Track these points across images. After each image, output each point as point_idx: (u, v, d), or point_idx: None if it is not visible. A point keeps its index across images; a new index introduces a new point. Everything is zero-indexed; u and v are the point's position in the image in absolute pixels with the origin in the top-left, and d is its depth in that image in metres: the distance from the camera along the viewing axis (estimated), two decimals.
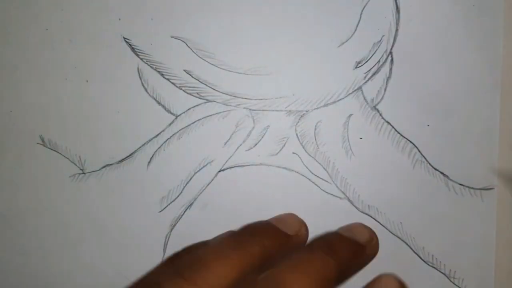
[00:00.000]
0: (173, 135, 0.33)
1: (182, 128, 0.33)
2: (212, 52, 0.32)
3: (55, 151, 0.33)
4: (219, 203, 0.33)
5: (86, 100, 0.33)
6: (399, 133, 0.33)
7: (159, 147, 0.33)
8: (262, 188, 0.33)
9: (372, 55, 0.32)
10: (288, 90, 0.32)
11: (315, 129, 0.33)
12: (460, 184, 0.33)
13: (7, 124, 0.33)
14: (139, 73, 0.33)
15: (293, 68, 0.32)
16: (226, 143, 0.33)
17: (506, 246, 0.33)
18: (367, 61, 0.32)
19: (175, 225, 0.33)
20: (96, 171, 0.33)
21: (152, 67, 0.32)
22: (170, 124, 0.33)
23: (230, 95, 0.32)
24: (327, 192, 0.33)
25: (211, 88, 0.32)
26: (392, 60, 0.32)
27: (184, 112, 0.33)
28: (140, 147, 0.33)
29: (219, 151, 0.33)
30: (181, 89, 0.33)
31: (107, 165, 0.33)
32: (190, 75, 0.32)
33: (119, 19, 0.32)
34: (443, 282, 0.33)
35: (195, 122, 0.33)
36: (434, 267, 0.33)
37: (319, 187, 0.33)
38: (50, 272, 0.34)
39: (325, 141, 0.33)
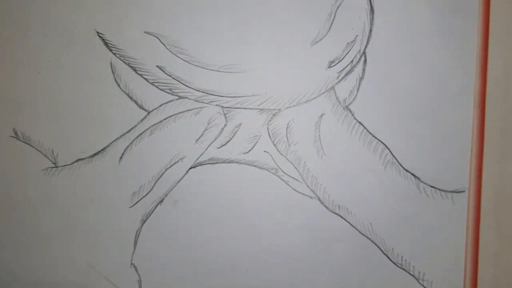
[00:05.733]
0: (145, 131, 0.33)
1: (154, 124, 0.33)
2: (185, 49, 0.32)
3: (28, 144, 0.33)
4: (189, 200, 0.33)
5: (59, 94, 0.33)
6: (371, 133, 0.32)
7: (130, 143, 0.33)
8: (232, 186, 0.33)
9: (346, 55, 0.32)
10: (261, 89, 0.32)
11: (287, 128, 0.33)
12: (431, 186, 0.32)
13: None
14: (112, 68, 0.33)
15: (266, 66, 0.32)
16: (197, 140, 0.33)
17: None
18: (340, 61, 0.32)
19: (145, 220, 0.33)
20: (68, 165, 0.33)
21: (125, 62, 0.32)
22: (142, 120, 0.33)
23: (203, 92, 0.32)
24: (297, 191, 0.33)
25: (184, 84, 0.32)
26: (365, 60, 0.32)
27: (156, 108, 0.33)
28: (112, 142, 0.33)
29: (190, 148, 0.33)
30: (153, 85, 0.33)
31: (79, 159, 0.33)
32: (163, 71, 0.32)
33: (93, 14, 0.32)
34: (412, 284, 0.33)
35: (167, 118, 0.33)
36: (403, 269, 0.33)
37: (289, 185, 0.33)
38: (21, 265, 0.34)
39: (296, 140, 0.33)
